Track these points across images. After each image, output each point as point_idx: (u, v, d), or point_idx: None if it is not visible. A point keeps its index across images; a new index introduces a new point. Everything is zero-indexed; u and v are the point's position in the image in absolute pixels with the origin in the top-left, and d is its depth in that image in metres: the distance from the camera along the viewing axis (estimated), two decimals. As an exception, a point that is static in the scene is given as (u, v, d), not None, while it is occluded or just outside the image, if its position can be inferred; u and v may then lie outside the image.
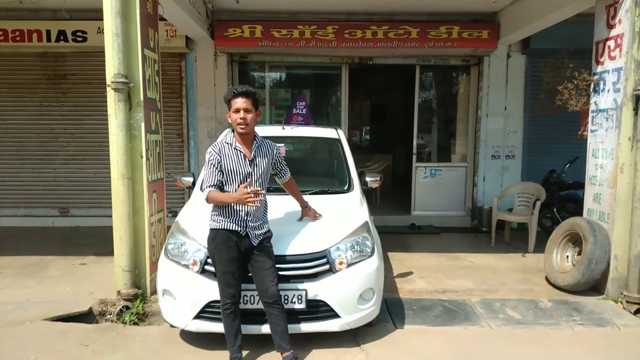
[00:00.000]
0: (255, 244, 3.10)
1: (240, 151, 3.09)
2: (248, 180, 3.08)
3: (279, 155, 3.36)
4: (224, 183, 3.10)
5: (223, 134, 4.82)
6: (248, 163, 3.10)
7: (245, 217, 3.08)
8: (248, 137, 3.13)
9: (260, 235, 3.13)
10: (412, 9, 6.76)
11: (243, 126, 3.03)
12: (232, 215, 3.07)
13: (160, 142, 4.59)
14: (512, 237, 6.65)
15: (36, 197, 7.45)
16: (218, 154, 3.08)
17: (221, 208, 3.08)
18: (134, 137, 4.14)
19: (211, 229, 3.13)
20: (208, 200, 3.08)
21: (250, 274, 3.15)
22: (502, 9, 6.68)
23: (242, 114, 3.01)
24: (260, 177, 3.15)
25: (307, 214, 3.63)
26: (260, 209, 3.16)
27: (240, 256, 3.09)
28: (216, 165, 3.06)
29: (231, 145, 3.10)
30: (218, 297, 3.12)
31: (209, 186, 3.06)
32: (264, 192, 3.12)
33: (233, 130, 3.15)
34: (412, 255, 5.91)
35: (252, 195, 2.91)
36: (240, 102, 3.01)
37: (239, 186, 3.03)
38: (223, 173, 3.07)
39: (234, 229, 3.06)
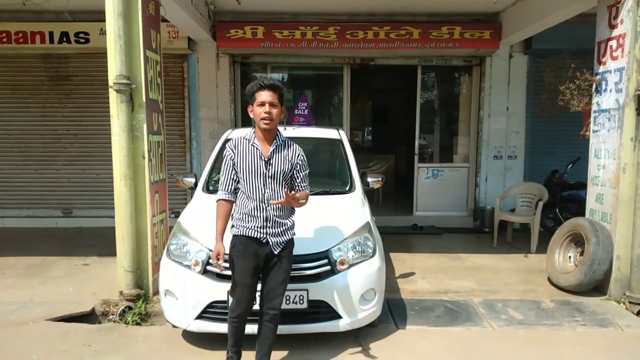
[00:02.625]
0: (275, 253, 2.88)
1: (257, 148, 2.85)
2: (261, 181, 2.83)
3: (302, 161, 2.98)
4: (240, 181, 2.87)
5: (225, 134, 4.85)
6: (264, 163, 2.84)
7: (265, 223, 2.84)
8: (270, 135, 2.87)
9: (281, 244, 2.90)
10: (413, 9, 6.76)
11: (267, 121, 2.78)
12: (251, 221, 2.84)
13: (163, 143, 4.60)
14: (515, 237, 6.64)
15: (39, 198, 7.48)
16: (232, 149, 2.86)
17: (241, 209, 2.86)
18: (136, 138, 4.16)
19: (233, 235, 2.91)
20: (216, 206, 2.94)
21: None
22: (504, 9, 6.67)
23: (267, 107, 2.77)
24: (275, 180, 2.85)
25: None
26: (284, 214, 2.92)
27: (258, 266, 2.88)
28: (229, 162, 2.86)
29: (249, 142, 2.87)
30: (220, 298, 3.12)
31: (222, 192, 2.89)
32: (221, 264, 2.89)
33: (255, 127, 2.91)
34: (414, 256, 5.91)
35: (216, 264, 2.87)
36: (266, 95, 2.77)
37: (250, 186, 2.82)
38: (237, 171, 2.86)
39: (253, 235, 2.84)
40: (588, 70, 4.83)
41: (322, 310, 3.29)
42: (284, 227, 2.92)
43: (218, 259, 2.86)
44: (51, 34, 6.81)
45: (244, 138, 2.90)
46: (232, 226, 2.91)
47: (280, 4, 6.62)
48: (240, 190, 2.89)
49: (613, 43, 4.44)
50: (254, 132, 2.91)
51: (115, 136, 4.05)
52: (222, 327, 3.18)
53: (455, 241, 6.76)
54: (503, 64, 7.38)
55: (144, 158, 4.19)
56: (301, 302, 3.21)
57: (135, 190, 4.15)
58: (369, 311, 3.42)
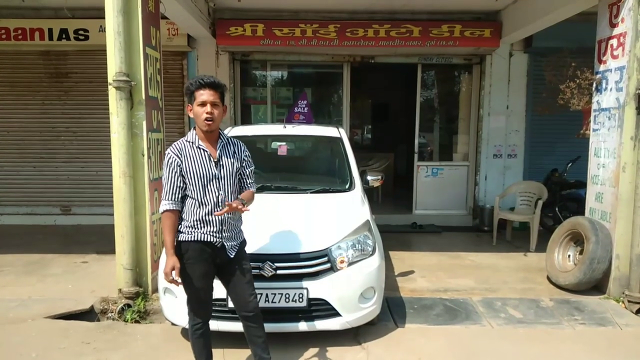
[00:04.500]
0: (231, 256, 2.79)
1: (204, 150, 2.70)
2: (213, 184, 2.69)
3: (247, 157, 2.90)
4: (188, 187, 2.69)
5: (225, 131, 4.84)
6: (213, 164, 2.70)
7: (221, 227, 2.72)
8: (213, 135, 2.74)
9: (236, 246, 2.83)
10: (414, 7, 6.75)
11: (209, 122, 2.63)
12: (206, 225, 2.69)
13: (162, 141, 4.59)
14: (514, 236, 6.64)
15: (38, 195, 7.46)
16: (178, 155, 2.66)
17: (192, 217, 2.69)
18: (136, 136, 4.15)
19: (181, 242, 2.70)
20: (162, 219, 2.70)
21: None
22: (504, 7, 6.67)
23: (208, 107, 2.62)
24: (227, 180, 2.74)
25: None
26: (235, 216, 2.83)
27: (214, 270, 2.79)
28: (176, 170, 2.65)
29: (193, 144, 2.70)
30: (219, 296, 3.11)
31: (169, 202, 2.66)
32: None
33: (195, 128, 2.75)
34: (413, 254, 5.91)
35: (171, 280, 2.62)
36: (207, 95, 2.62)
37: (202, 190, 2.67)
38: (184, 177, 2.66)
39: (208, 240, 2.70)
40: (588, 69, 4.82)
41: (322, 309, 3.28)
42: (237, 230, 2.85)
43: (172, 274, 2.62)
44: (50, 30, 6.79)
45: (186, 141, 2.72)
46: (180, 232, 2.71)
47: (280, 2, 6.61)
48: (188, 198, 2.70)
49: (614, 42, 4.43)
50: (196, 134, 2.73)
51: (114, 133, 4.04)
52: (220, 325, 3.20)
53: (454, 240, 6.76)
54: (503, 63, 7.37)
55: (143, 155, 4.18)
56: (300, 300, 3.21)
57: (135, 188, 4.14)
58: (369, 309, 3.42)
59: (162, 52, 4.60)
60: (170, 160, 2.66)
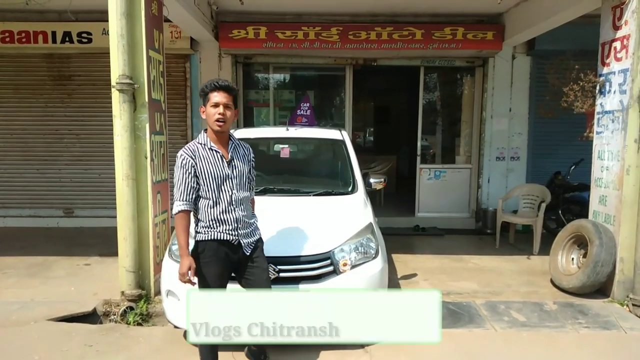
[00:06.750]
0: (248, 254, 2.85)
1: (216, 151, 2.79)
2: (227, 183, 2.78)
3: (254, 159, 3.03)
4: (201, 188, 2.78)
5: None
6: (226, 164, 2.80)
7: (236, 225, 2.80)
8: (223, 137, 2.83)
9: (252, 243, 2.89)
10: (416, 10, 6.75)
11: (221, 123, 2.72)
12: (221, 225, 2.77)
13: (165, 143, 4.60)
14: (517, 239, 6.62)
15: (41, 197, 7.48)
16: (192, 156, 2.74)
17: (207, 216, 2.77)
18: (139, 138, 4.15)
19: (198, 242, 2.79)
20: (175, 219, 2.77)
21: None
22: (507, 10, 6.66)
23: (221, 109, 2.71)
24: (239, 180, 2.84)
25: None
26: (248, 213, 2.91)
27: (229, 271, 2.84)
28: (190, 170, 2.72)
29: (205, 146, 2.80)
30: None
31: (183, 202, 2.73)
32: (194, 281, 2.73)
33: (205, 131, 2.85)
34: (416, 257, 5.90)
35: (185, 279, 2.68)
36: (220, 96, 2.73)
37: (215, 190, 2.76)
38: (198, 178, 2.75)
39: (225, 238, 2.77)
40: (592, 72, 4.81)
41: (325, 311, 3.27)
42: (252, 227, 2.92)
43: (189, 274, 2.67)
44: (54, 33, 6.82)
45: (198, 143, 2.81)
46: (197, 232, 2.80)
47: (282, 5, 6.62)
48: (201, 198, 2.78)
49: (617, 44, 4.42)
50: (207, 136, 2.82)
51: (117, 136, 4.05)
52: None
53: (457, 242, 6.74)
54: (506, 65, 7.37)
55: (146, 158, 4.19)
56: (303, 303, 3.20)
57: (137, 190, 4.15)
58: (371, 312, 3.40)
59: (165, 54, 4.61)
60: (184, 162, 2.74)
